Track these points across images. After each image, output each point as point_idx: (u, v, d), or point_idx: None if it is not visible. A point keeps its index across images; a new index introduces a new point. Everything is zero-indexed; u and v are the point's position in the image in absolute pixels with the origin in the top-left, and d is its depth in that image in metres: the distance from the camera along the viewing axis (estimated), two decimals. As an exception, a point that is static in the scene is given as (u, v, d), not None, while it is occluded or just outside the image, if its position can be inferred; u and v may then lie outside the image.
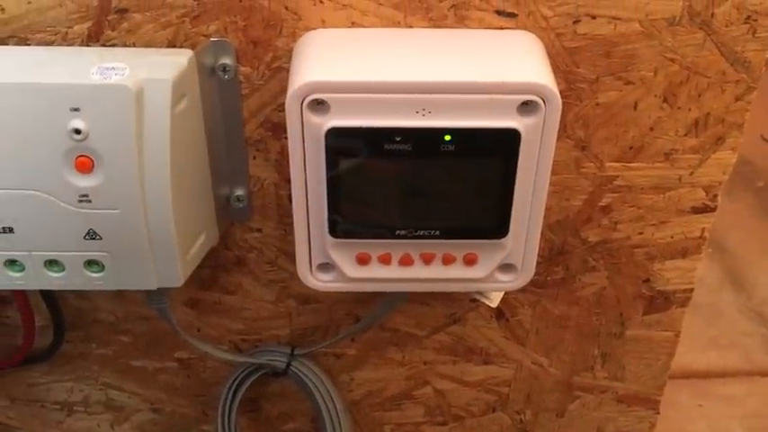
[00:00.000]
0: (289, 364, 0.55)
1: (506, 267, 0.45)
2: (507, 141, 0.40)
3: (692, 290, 0.55)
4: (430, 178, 0.41)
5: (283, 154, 0.47)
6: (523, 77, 0.39)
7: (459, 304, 0.56)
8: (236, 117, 0.46)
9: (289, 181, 0.48)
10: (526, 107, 0.39)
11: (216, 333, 0.57)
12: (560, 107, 0.39)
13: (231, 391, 0.56)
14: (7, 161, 0.40)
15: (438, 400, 0.61)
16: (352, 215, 0.42)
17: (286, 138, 0.46)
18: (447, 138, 0.39)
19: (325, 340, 0.57)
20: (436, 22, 0.42)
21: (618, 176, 0.49)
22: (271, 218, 0.51)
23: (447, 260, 0.45)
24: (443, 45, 0.42)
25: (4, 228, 0.42)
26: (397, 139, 0.39)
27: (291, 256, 0.52)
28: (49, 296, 0.52)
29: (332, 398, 0.56)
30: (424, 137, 0.39)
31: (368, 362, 0.59)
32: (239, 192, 0.49)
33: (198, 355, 0.58)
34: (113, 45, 0.43)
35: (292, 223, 0.50)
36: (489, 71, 0.39)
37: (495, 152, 0.40)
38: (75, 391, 0.60)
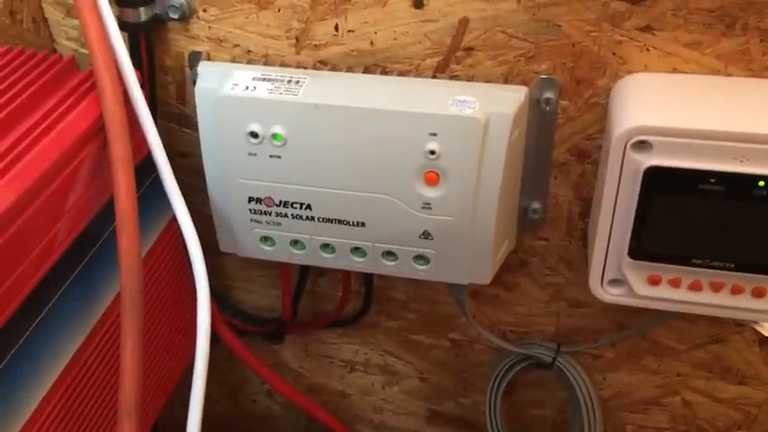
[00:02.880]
0: (554, 359, 0.62)
1: (794, 303, 0.48)
2: (821, 192, 0.43)
3: None
4: (736, 217, 0.45)
5: (583, 176, 0.53)
6: None
7: (724, 326, 0.59)
8: (548, 142, 0.52)
9: (581, 199, 0.54)
10: None
11: (488, 322, 0.64)
12: None
13: (500, 375, 0.63)
14: (370, 169, 0.49)
15: (685, 411, 0.65)
16: (654, 241, 0.47)
17: (588, 163, 0.52)
18: (761, 184, 0.43)
19: (588, 342, 0.62)
20: (756, 73, 0.46)
21: None
22: (559, 230, 0.57)
23: (735, 290, 0.48)
24: (764, 96, 0.45)
25: (357, 222, 0.51)
26: (712, 180, 0.44)
27: (570, 265, 0.59)
28: (367, 276, 0.62)
29: (590, 393, 0.62)
30: (738, 181, 0.43)
31: (623, 366, 0.64)
32: (536, 205, 0.55)
33: (469, 338, 0.66)
34: (456, 77, 0.50)
35: (578, 236, 0.56)
36: (810, 125, 0.42)
37: (807, 201, 0.43)
38: (360, 354, 0.70)
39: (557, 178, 0.54)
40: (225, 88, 0.49)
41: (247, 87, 0.49)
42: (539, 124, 0.51)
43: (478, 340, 0.66)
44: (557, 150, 0.53)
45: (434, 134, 0.47)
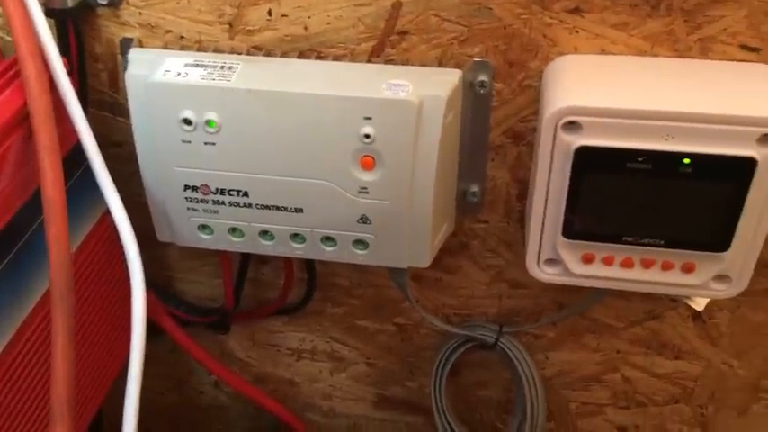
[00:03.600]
0: (497, 340, 0.63)
1: (721, 278, 0.50)
2: (743, 168, 0.44)
3: None
4: (664, 194, 0.46)
5: (519, 158, 0.54)
6: (766, 112, 0.43)
7: (659, 302, 0.60)
8: (484, 125, 0.52)
9: (518, 181, 0.55)
10: (766, 139, 0.43)
11: (431, 305, 0.65)
12: (799, 141, 0.43)
13: (444, 357, 0.64)
14: (306, 155, 0.49)
15: (625, 386, 0.67)
16: (586, 220, 0.48)
17: (523, 145, 0.53)
18: (686, 161, 0.44)
19: (529, 322, 0.63)
20: (681, 54, 0.47)
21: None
22: (497, 212, 0.57)
23: (666, 266, 0.50)
24: (689, 75, 0.46)
25: (295, 208, 0.51)
26: (640, 159, 0.45)
27: (510, 246, 0.59)
28: (309, 263, 0.62)
29: (533, 372, 0.63)
30: (665, 159, 0.44)
31: (564, 345, 0.65)
32: (475, 188, 0.56)
33: (414, 322, 0.67)
34: (391, 61, 0.50)
35: (516, 218, 0.57)
36: (732, 103, 0.43)
37: (730, 177, 0.44)
38: (306, 341, 0.70)
39: (493, 161, 0.54)
40: (156, 75, 0.48)
41: (179, 74, 0.48)
42: (474, 107, 0.51)
43: (423, 324, 0.67)
44: (492, 133, 0.53)
45: (369, 118, 0.47)
